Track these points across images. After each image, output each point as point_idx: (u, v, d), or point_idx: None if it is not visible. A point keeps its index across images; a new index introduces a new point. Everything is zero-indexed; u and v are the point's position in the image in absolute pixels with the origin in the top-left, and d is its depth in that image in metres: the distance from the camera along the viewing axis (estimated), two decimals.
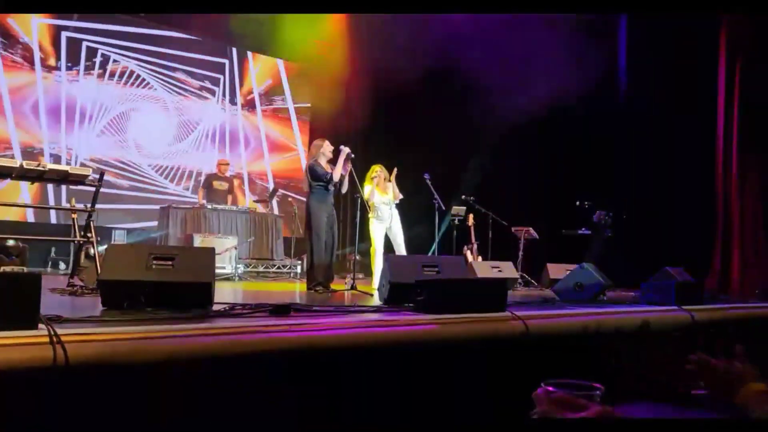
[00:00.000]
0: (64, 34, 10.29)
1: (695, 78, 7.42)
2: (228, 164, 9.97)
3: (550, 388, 0.96)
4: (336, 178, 5.94)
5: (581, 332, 3.39)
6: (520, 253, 7.91)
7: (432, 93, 9.71)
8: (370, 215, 6.69)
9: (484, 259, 8.05)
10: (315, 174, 5.95)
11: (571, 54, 7.73)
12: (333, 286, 5.78)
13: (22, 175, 4.64)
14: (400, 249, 6.75)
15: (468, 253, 8.21)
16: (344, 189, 6.26)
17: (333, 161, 6.12)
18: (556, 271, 6.35)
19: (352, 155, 6.14)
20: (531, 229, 8.10)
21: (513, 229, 8.16)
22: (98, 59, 10.62)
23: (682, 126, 7.40)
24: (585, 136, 8.39)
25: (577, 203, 7.86)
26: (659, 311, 3.92)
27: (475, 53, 8.31)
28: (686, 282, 4.72)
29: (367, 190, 6.63)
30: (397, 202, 6.84)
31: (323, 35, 12.29)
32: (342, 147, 6.07)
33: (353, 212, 6.33)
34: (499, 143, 8.77)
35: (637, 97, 8.07)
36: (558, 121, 8.32)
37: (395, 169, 6.84)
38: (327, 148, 6.17)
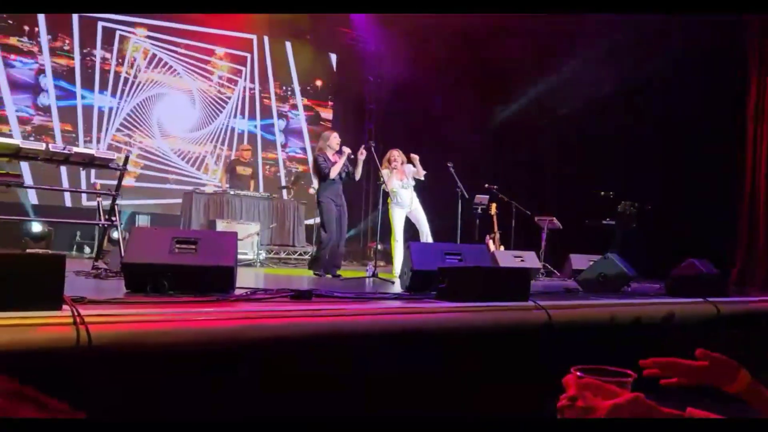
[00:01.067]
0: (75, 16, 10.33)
1: (726, 76, 7.27)
2: (250, 150, 10.01)
3: (580, 373, 0.94)
4: (332, 175, 6.06)
5: (605, 322, 3.34)
6: (543, 242, 7.84)
7: (460, 80, 9.64)
8: (389, 200, 6.67)
9: (507, 248, 7.99)
10: (317, 167, 6.14)
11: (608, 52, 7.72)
12: (354, 274, 5.83)
13: (48, 158, 4.69)
14: (426, 235, 6.68)
15: (490, 242, 8.15)
16: (357, 176, 6.34)
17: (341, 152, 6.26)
18: (579, 261, 6.28)
19: (352, 156, 6.25)
20: (554, 218, 8.01)
21: (536, 218, 8.08)
22: (121, 44, 10.70)
23: (711, 119, 7.26)
24: (610, 128, 8.26)
25: (602, 193, 7.74)
26: (684, 303, 3.86)
27: (510, 44, 8.30)
28: (712, 274, 4.63)
29: (385, 174, 6.60)
30: (423, 178, 6.79)
31: (349, 23, 12.28)
32: (344, 148, 6.23)
33: (375, 199, 6.35)
34: (525, 132, 8.69)
35: (668, 90, 7.92)
36: (584, 113, 8.22)
37: (414, 156, 6.80)
38: (333, 140, 6.30)
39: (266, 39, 12.23)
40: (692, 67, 7.36)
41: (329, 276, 5.95)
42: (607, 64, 7.97)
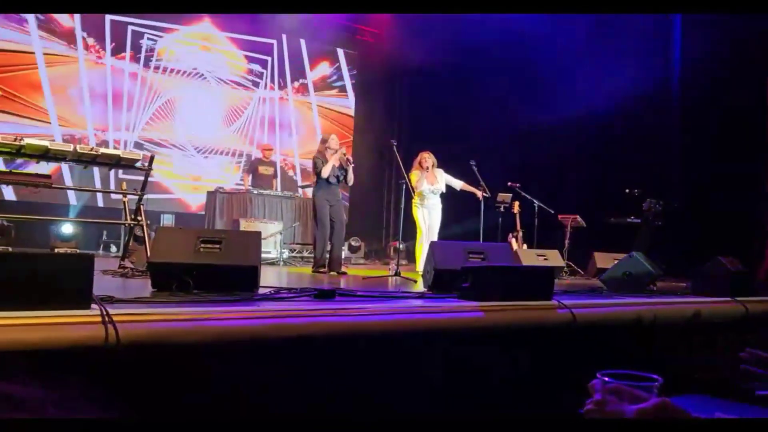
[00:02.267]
0: (108, 18, 10.50)
1: (751, 71, 7.14)
2: (272, 149, 10.07)
3: (607, 378, 0.93)
4: (324, 175, 6.23)
5: (630, 322, 3.31)
6: (567, 241, 7.77)
7: (483, 80, 9.62)
8: (414, 201, 6.69)
9: (530, 247, 7.94)
10: (313, 167, 6.39)
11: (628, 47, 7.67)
12: (376, 273, 5.86)
13: (76, 158, 4.77)
14: (433, 238, 6.71)
15: (513, 241, 8.11)
16: (350, 181, 6.48)
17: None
18: (604, 260, 6.22)
19: (346, 156, 6.46)
20: (578, 216, 7.93)
21: (559, 216, 8.01)
22: (145, 44, 10.83)
23: (738, 116, 7.14)
24: (636, 125, 8.17)
25: (627, 191, 7.64)
26: (711, 302, 3.80)
27: (531, 46, 8.29)
28: (739, 272, 4.55)
29: (416, 176, 6.62)
30: (458, 188, 6.85)
31: (371, 22, 12.29)
32: (339, 148, 6.41)
33: (398, 198, 6.38)
34: (548, 130, 8.63)
35: (693, 89, 7.82)
36: (610, 110, 8.14)
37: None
38: (332, 142, 6.46)
39: (284, 38, 12.28)
40: (717, 60, 7.24)
41: (334, 273, 6.09)
42: (634, 60, 7.90)
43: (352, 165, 6.42)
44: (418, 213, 6.71)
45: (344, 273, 6.16)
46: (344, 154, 6.40)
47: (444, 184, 6.85)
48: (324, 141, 6.49)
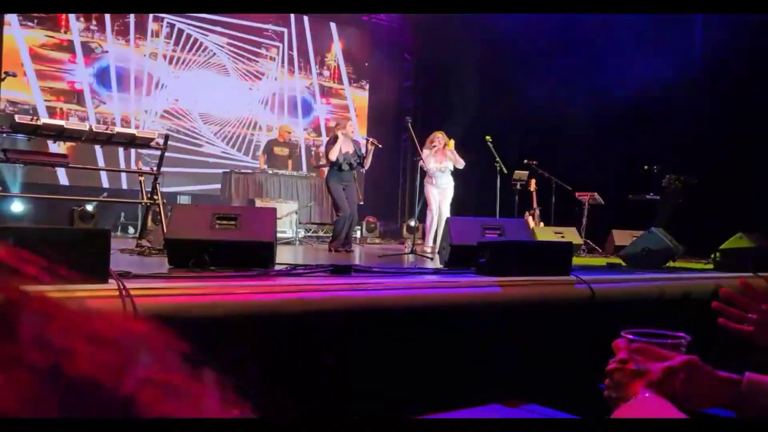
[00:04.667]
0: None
1: None
2: (290, 131, 10.05)
3: (631, 336, 0.90)
4: (331, 157, 6.27)
5: (650, 297, 3.27)
6: (584, 219, 7.70)
7: (501, 61, 9.52)
8: (427, 180, 6.69)
9: (547, 225, 7.88)
10: (325, 152, 6.48)
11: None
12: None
13: (92, 138, 4.79)
14: (442, 219, 6.67)
15: (530, 218, 8.06)
16: (366, 165, 6.53)
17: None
18: (622, 237, 6.17)
19: (371, 139, 6.49)
20: (596, 194, 7.85)
21: (577, 194, 7.92)
22: (164, 28, 10.83)
23: (757, 87, 7.00)
24: (657, 102, 8.03)
25: (645, 167, 7.53)
26: (732, 277, 3.74)
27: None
28: (763, 247, 4.48)
29: (425, 154, 6.59)
30: (461, 167, 6.79)
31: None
32: (340, 133, 6.36)
33: (413, 176, 6.37)
34: (566, 107, 8.51)
35: (717, 65, 7.67)
36: (630, 88, 8.01)
37: (452, 141, 6.79)
38: (347, 126, 6.49)
39: (305, 19, 12.21)
40: (738, 36, 7.09)
41: (341, 250, 6.11)
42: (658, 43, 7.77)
43: (380, 146, 6.40)
44: (427, 191, 6.73)
45: (349, 251, 6.21)
46: (368, 139, 6.44)
47: (452, 163, 6.81)
48: (342, 126, 6.50)
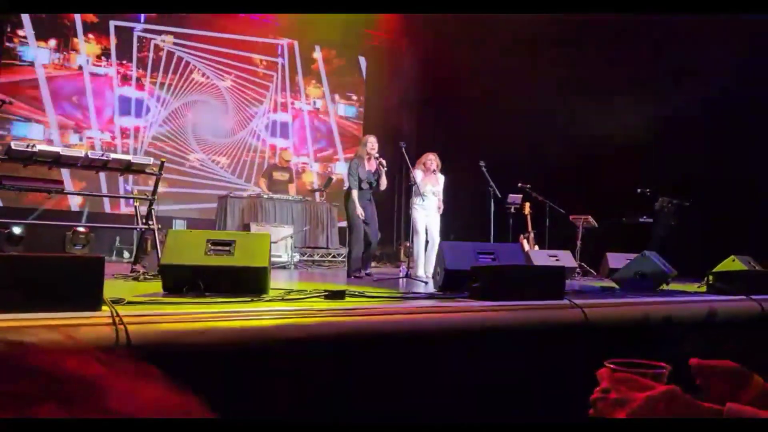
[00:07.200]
0: (112, 23, 10.60)
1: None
2: (289, 159, 10.11)
3: (614, 366, 0.92)
4: (354, 196, 6.17)
5: (642, 321, 3.28)
6: (579, 242, 7.72)
7: (490, 79, 9.60)
8: (415, 201, 6.60)
9: (542, 248, 7.90)
10: (350, 172, 6.32)
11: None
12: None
13: (87, 164, 4.81)
14: (434, 241, 6.64)
15: (524, 242, 8.07)
16: (382, 186, 6.38)
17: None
18: (616, 260, 6.17)
19: (380, 160, 6.30)
20: (590, 217, 7.88)
21: (571, 217, 7.96)
22: (155, 53, 10.92)
23: (752, 109, 7.09)
24: (646, 122, 8.11)
25: (639, 190, 7.59)
26: (726, 301, 3.76)
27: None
28: (756, 271, 4.52)
29: (419, 176, 6.55)
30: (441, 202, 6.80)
31: (377, 26, 12.31)
32: (374, 157, 6.28)
33: (408, 199, 6.36)
34: (561, 128, 8.59)
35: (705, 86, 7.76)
36: (619, 106, 8.09)
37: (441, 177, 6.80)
38: (369, 145, 6.34)
39: (296, 44, 12.34)
40: (735, 57, 7.18)
41: (362, 276, 6.01)
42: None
43: (385, 169, 6.34)
44: (416, 214, 6.60)
45: (369, 275, 6.13)
46: (377, 158, 6.31)
47: (440, 188, 6.75)
48: (363, 144, 6.41)
